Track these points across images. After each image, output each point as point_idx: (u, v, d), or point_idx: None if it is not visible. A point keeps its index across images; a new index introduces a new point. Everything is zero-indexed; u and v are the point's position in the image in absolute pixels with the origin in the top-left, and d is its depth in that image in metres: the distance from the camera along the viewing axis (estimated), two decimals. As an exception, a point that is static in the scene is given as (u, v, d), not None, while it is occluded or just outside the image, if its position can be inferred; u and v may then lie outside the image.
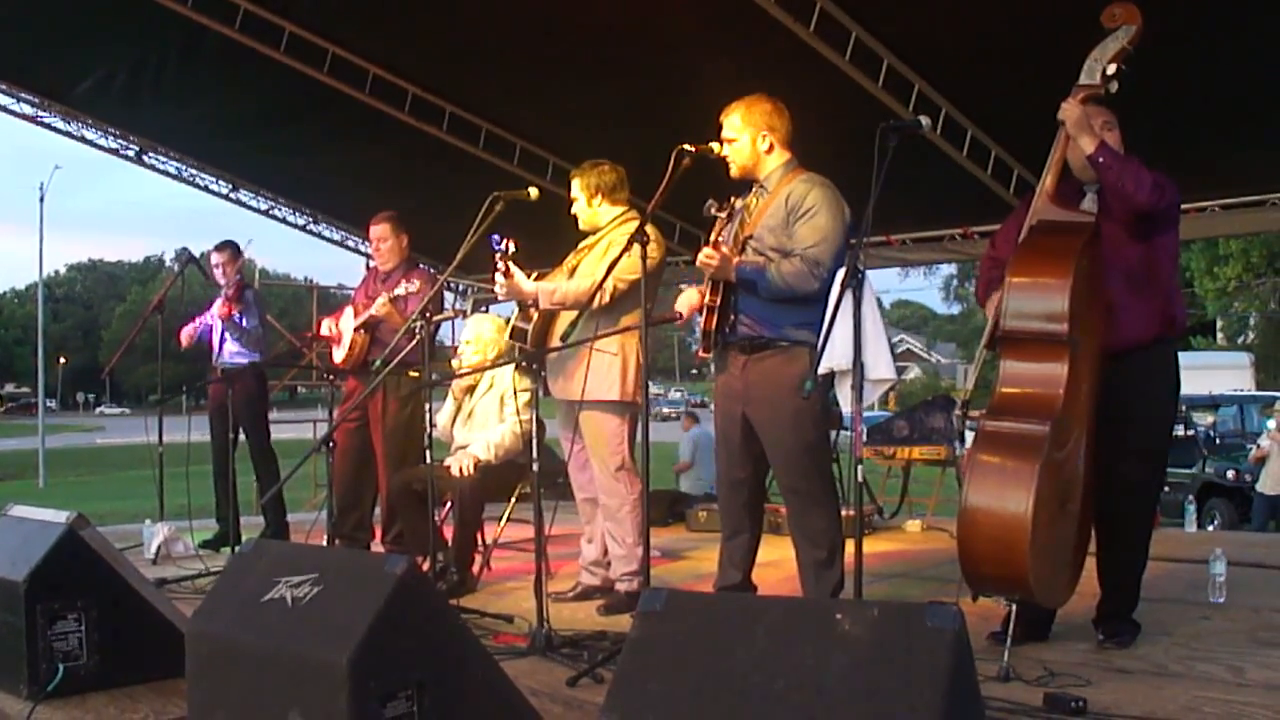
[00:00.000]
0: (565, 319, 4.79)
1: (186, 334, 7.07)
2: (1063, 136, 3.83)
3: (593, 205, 4.93)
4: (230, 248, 7.12)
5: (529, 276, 4.85)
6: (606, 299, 4.60)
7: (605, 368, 4.75)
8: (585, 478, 5.01)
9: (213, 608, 3.01)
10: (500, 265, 4.69)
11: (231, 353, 6.93)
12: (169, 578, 5.44)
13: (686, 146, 4.05)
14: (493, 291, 10.33)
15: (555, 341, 4.67)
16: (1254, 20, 5.51)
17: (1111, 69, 3.79)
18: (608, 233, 4.86)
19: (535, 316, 4.88)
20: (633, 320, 4.61)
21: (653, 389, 4.76)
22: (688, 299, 4.34)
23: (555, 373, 4.89)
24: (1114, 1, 3.84)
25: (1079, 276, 3.61)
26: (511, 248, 4.67)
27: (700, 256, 4.13)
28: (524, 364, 4.70)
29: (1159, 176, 3.71)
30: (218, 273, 7.06)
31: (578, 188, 4.95)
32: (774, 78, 4.62)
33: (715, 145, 4.22)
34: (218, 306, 6.87)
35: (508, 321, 5.37)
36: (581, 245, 4.98)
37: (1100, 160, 3.71)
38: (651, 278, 4.66)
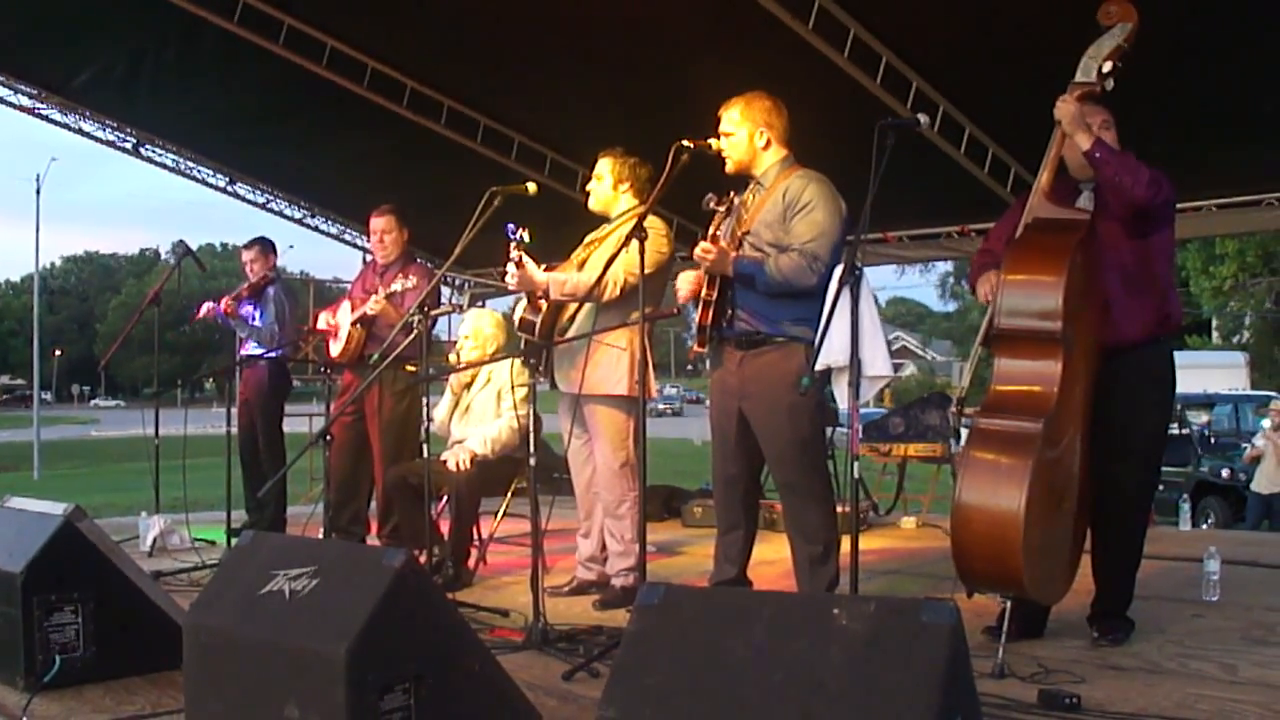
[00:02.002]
0: (571, 312, 4.79)
1: (208, 307, 7.08)
2: (1059, 134, 3.84)
3: (617, 191, 4.89)
4: (258, 244, 7.16)
5: (539, 268, 4.84)
6: (616, 292, 4.60)
7: (614, 362, 4.73)
8: (588, 472, 5.00)
9: (211, 600, 3.02)
10: (514, 254, 4.68)
11: (251, 344, 6.99)
12: (164, 570, 5.45)
13: (685, 142, 4.05)
14: (490, 286, 10.32)
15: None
16: (1251, 19, 5.51)
17: (1107, 67, 3.80)
18: (617, 226, 4.83)
19: (544, 308, 4.86)
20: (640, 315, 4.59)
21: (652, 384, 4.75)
22: (686, 277, 4.32)
23: (562, 365, 4.87)
24: (1110, -1, 3.86)
25: (1073, 274, 3.62)
26: (526, 237, 4.65)
27: (697, 251, 4.14)
28: (527, 357, 4.69)
29: (1155, 173, 3.72)
30: (247, 270, 7.12)
31: (607, 168, 4.89)
32: (772, 74, 4.62)
33: (713, 141, 4.23)
34: (222, 304, 6.89)
35: (506, 316, 5.36)
36: (589, 239, 4.96)
37: (1097, 156, 3.71)
38: (662, 272, 4.67)
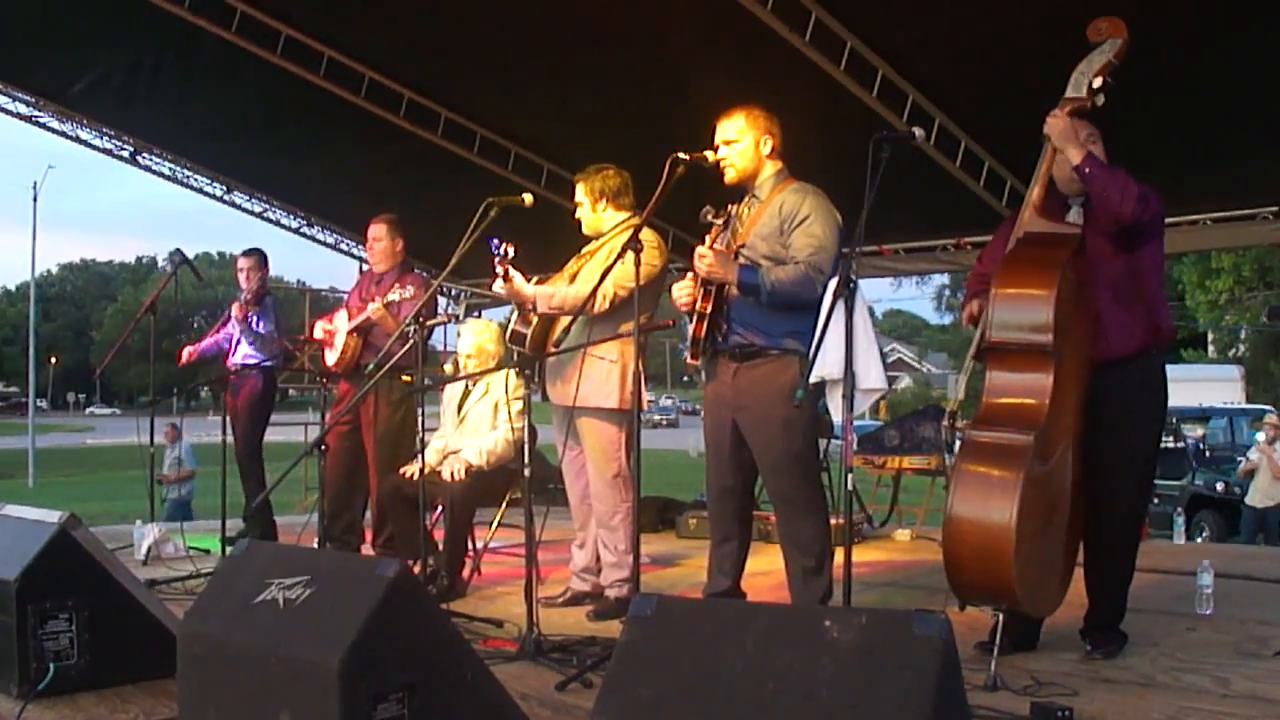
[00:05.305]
0: (564, 324, 4.79)
1: (188, 353, 7.20)
2: (1049, 149, 3.85)
3: (597, 210, 4.89)
4: (256, 254, 7.26)
5: (529, 281, 4.84)
6: (606, 305, 4.59)
7: (604, 375, 4.72)
8: (582, 483, 5.00)
9: (205, 608, 3.02)
10: (499, 269, 4.69)
11: (244, 355, 7.02)
12: (159, 578, 5.44)
13: (681, 155, 4.05)
14: (486, 296, 10.35)
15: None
16: (1242, 33, 5.54)
17: (1098, 82, 3.81)
18: (610, 238, 4.82)
19: (535, 321, 4.86)
20: (632, 327, 4.59)
21: (644, 396, 4.75)
22: (681, 287, 4.30)
23: (554, 377, 4.87)
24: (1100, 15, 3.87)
25: (1064, 288, 3.64)
26: (510, 251, 4.67)
27: (695, 258, 4.13)
28: (520, 369, 4.69)
29: (1145, 188, 3.73)
30: (241, 276, 7.22)
31: (582, 192, 4.90)
32: (769, 87, 4.65)
33: (709, 153, 4.22)
34: (234, 308, 6.94)
35: (503, 326, 5.36)
36: (584, 251, 4.96)
37: (1087, 171, 3.73)
38: (654, 284, 4.67)
